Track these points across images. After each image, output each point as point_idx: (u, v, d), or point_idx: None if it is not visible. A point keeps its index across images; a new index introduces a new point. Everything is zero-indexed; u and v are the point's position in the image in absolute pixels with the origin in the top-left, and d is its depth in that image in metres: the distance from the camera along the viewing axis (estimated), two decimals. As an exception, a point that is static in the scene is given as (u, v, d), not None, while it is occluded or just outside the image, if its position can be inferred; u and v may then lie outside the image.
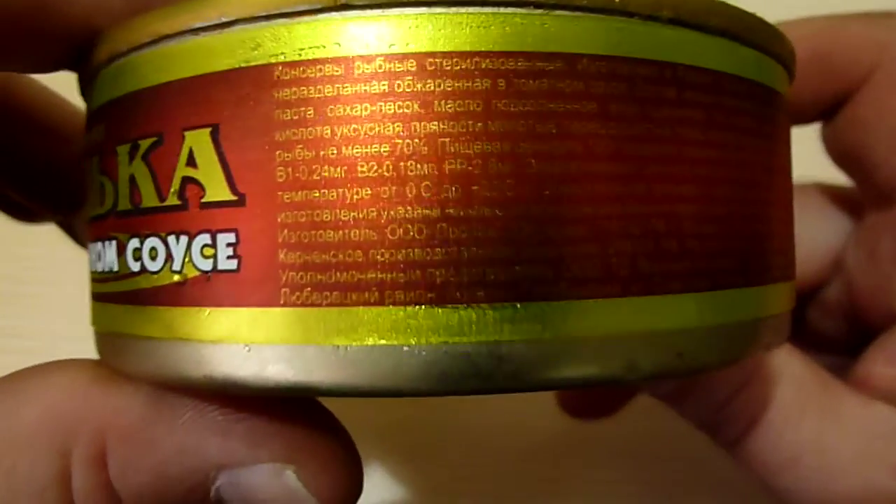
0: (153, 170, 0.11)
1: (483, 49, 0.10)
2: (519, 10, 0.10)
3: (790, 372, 0.18)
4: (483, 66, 0.10)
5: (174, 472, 0.12)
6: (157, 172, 0.11)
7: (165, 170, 0.11)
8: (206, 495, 0.13)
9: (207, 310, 0.11)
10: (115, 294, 0.12)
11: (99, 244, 0.12)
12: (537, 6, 0.10)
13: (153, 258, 0.11)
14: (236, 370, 0.11)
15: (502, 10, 0.10)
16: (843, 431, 0.17)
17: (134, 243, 0.12)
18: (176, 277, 0.11)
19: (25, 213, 0.20)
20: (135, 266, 0.12)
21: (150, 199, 0.11)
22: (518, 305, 0.10)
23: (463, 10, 0.10)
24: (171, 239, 0.11)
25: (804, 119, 0.20)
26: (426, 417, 0.27)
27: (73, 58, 0.13)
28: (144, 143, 0.11)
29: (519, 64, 0.10)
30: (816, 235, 0.22)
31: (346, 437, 0.14)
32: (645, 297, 0.11)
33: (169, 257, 0.11)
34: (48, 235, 0.21)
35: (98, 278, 0.13)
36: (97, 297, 0.13)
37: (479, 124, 0.10)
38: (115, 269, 0.12)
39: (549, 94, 0.10)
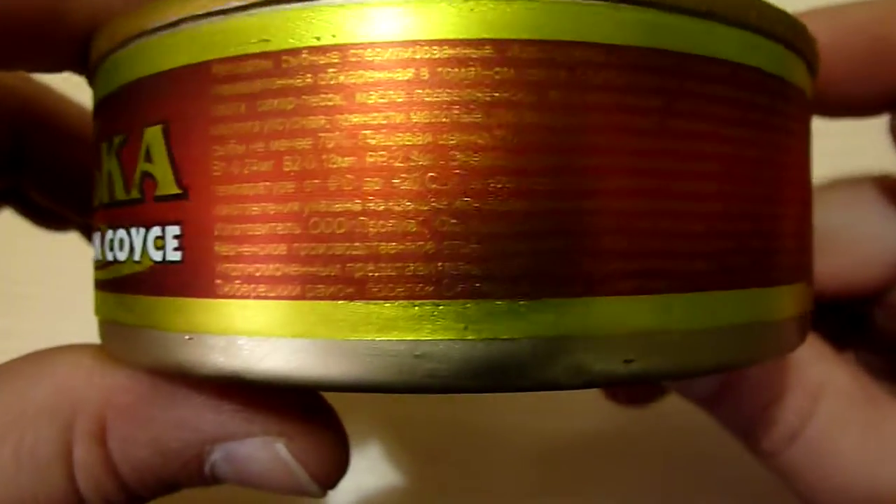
0: (122, 165, 0.12)
1: (407, 38, 0.10)
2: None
3: (834, 384, 0.17)
4: (405, 55, 0.10)
5: (171, 446, 0.13)
6: (125, 167, 0.12)
7: (130, 165, 0.12)
8: (202, 470, 0.13)
9: (161, 299, 0.11)
10: (101, 282, 0.13)
11: (95, 235, 0.13)
12: None
13: (121, 248, 0.12)
14: (184, 357, 0.11)
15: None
16: (887, 449, 0.15)
17: (109, 234, 0.12)
18: (137, 267, 0.12)
19: (55, 220, 0.21)
20: (109, 255, 0.12)
21: (120, 192, 0.12)
22: (439, 304, 0.10)
23: (387, -1, 0.10)
24: (133, 230, 0.12)
25: (869, 111, 0.18)
26: (433, 416, 0.27)
27: (79, 58, 0.14)
28: (117, 140, 0.12)
29: (444, 51, 0.10)
30: (880, 233, 0.19)
31: (333, 416, 0.14)
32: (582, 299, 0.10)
33: (132, 248, 0.12)
34: (47, 236, 0.22)
35: (95, 267, 0.13)
36: (95, 285, 0.14)
37: (402, 115, 0.10)
38: (100, 258, 0.13)
39: (475, 83, 0.10)
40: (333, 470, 0.14)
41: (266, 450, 0.13)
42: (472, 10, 0.10)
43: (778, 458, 0.18)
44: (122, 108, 0.12)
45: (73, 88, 0.18)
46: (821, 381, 0.17)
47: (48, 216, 0.21)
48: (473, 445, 0.27)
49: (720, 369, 0.12)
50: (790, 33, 0.12)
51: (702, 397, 0.18)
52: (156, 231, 0.11)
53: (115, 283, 0.12)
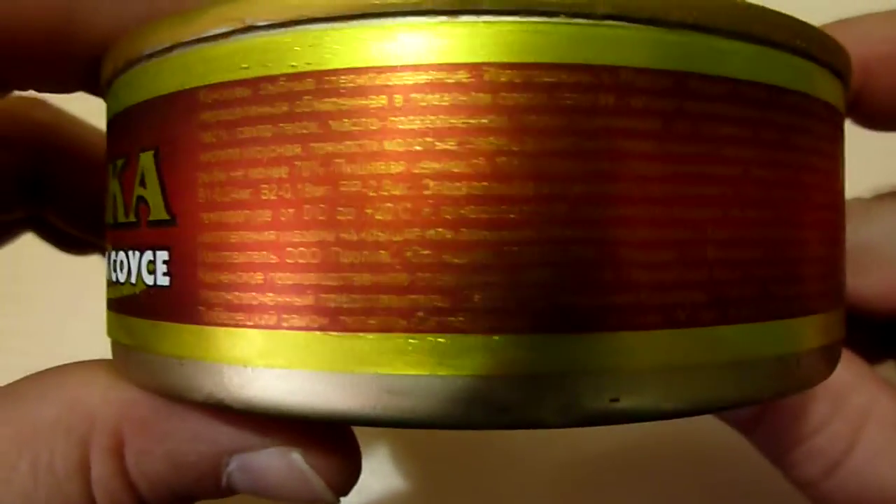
0: (123, 188, 0.12)
1: (380, 64, 0.10)
2: (419, 20, 0.10)
3: (878, 412, 0.16)
4: (378, 82, 0.10)
5: (187, 459, 0.13)
6: (125, 190, 0.12)
7: (129, 188, 0.12)
8: (218, 482, 0.13)
9: (153, 322, 0.11)
10: (109, 301, 0.13)
11: (107, 254, 0.14)
12: (439, 13, 0.09)
13: (122, 270, 0.12)
14: (177, 382, 0.11)
15: (400, 20, 0.10)
16: None
17: (114, 255, 0.13)
18: (133, 290, 0.12)
19: (76, 244, 0.22)
20: (114, 276, 0.13)
21: (121, 215, 0.12)
22: (411, 339, 0.10)
23: (361, 22, 0.10)
24: (130, 253, 0.12)
25: None
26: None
27: (92, 78, 0.14)
28: (119, 163, 0.12)
29: (419, 77, 0.10)
30: None
31: (345, 426, 0.14)
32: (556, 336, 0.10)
33: (129, 270, 0.12)
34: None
35: (107, 285, 0.14)
36: (107, 304, 0.14)
37: (375, 143, 0.10)
38: (108, 277, 0.13)
39: (450, 109, 0.10)
40: (347, 477, 0.14)
41: (282, 459, 0.13)
42: (447, 33, 0.10)
43: (817, 488, 0.17)
44: (123, 131, 0.12)
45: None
46: (864, 409, 0.16)
47: (69, 240, 0.22)
48: (482, 456, 0.27)
49: (718, 408, 0.11)
50: (810, 45, 0.11)
51: (738, 422, 0.17)
52: (148, 255, 0.11)
53: (117, 303, 0.13)
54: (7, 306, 0.23)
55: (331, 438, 0.14)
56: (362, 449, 0.14)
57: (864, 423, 0.16)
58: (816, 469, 0.17)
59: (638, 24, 0.10)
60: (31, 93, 0.16)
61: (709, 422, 0.18)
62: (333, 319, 0.10)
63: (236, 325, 0.10)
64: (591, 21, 0.10)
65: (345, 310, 0.10)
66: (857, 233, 0.21)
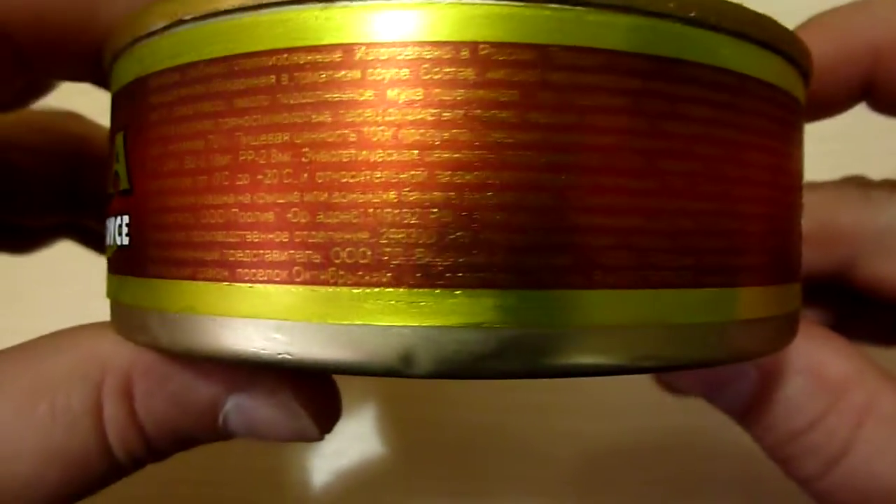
0: (110, 163, 0.14)
1: (273, 47, 0.11)
2: (299, 7, 0.11)
3: (879, 408, 0.16)
4: (270, 63, 0.11)
5: (188, 400, 0.15)
6: (108, 166, 0.14)
7: (110, 164, 0.14)
8: (216, 422, 0.15)
9: (119, 277, 0.13)
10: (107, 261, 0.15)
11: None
12: (315, 0, 0.11)
13: (108, 234, 0.14)
14: (135, 329, 0.13)
15: (286, 8, 0.11)
16: None
17: (106, 222, 0.15)
18: (111, 251, 0.14)
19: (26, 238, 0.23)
20: (106, 240, 0.15)
21: (110, 186, 0.14)
22: (294, 287, 0.11)
23: (263, 11, 0.11)
24: (111, 219, 0.14)
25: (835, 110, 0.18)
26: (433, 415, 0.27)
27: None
28: (114, 139, 0.14)
29: (301, 58, 0.11)
30: None
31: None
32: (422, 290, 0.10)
33: (110, 234, 0.14)
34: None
35: None
36: None
37: (266, 118, 0.11)
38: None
39: (327, 86, 0.11)
40: (330, 415, 0.16)
41: (273, 398, 0.15)
42: (321, 16, 0.11)
43: (816, 484, 0.16)
44: (112, 115, 0.14)
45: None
46: (863, 405, 0.16)
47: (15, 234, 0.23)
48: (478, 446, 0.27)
49: (651, 368, 0.12)
50: (707, 14, 0.11)
51: (734, 411, 0.17)
52: (118, 220, 0.13)
53: (108, 263, 0.15)
54: (10, 306, 0.24)
55: (316, 381, 0.15)
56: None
57: (864, 420, 0.16)
58: (814, 465, 0.16)
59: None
60: (67, 105, 0.18)
61: (721, 418, 0.17)
62: (232, 272, 0.11)
63: (171, 277, 0.12)
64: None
65: (242, 262, 0.11)
66: (877, 218, 0.20)
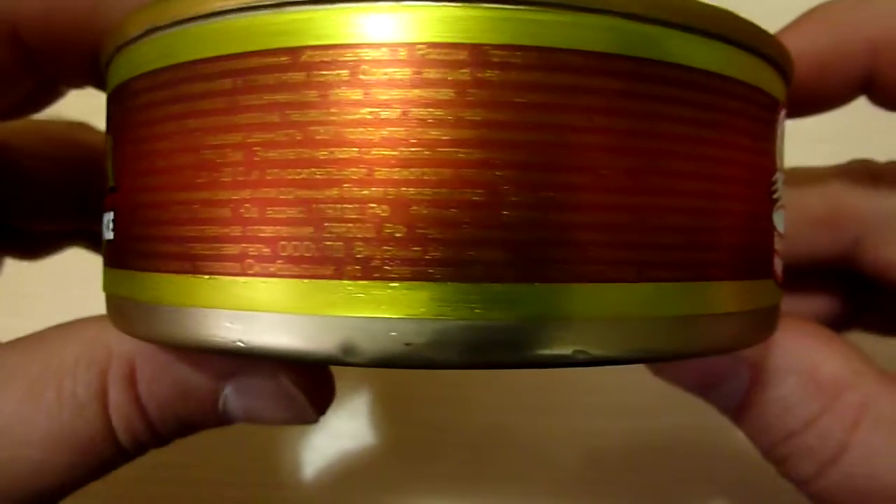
0: (104, 162, 0.15)
1: (230, 52, 0.12)
2: (252, 14, 0.11)
3: (876, 409, 0.16)
4: (228, 67, 0.12)
5: (190, 383, 0.15)
6: (104, 164, 0.15)
7: (104, 164, 0.15)
8: (216, 406, 0.16)
9: (108, 269, 0.14)
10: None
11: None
12: (264, 7, 0.11)
13: (102, 229, 0.15)
14: (127, 318, 0.14)
15: (241, 15, 0.11)
16: None
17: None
18: (104, 245, 0.15)
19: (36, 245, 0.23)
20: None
21: (104, 184, 0.15)
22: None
23: (220, 18, 0.12)
24: (104, 215, 0.15)
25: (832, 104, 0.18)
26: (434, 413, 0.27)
27: None
28: (106, 140, 0.15)
29: (253, 62, 0.11)
30: None
31: None
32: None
33: (103, 228, 0.15)
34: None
35: None
36: None
37: (224, 119, 0.12)
38: (108, 236, 0.16)
39: (276, 88, 0.11)
40: (325, 397, 0.16)
41: (271, 382, 0.15)
42: (273, 20, 0.11)
43: (811, 486, 0.16)
44: (106, 115, 0.15)
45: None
46: (858, 407, 0.16)
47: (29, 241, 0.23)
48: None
49: (631, 359, 0.12)
50: (747, 38, 0.12)
51: (728, 409, 0.17)
52: (107, 216, 0.14)
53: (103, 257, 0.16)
54: (13, 306, 0.24)
55: (310, 368, 0.16)
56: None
57: (859, 422, 0.16)
58: (809, 467, 0.16)
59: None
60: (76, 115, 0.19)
61: (723, 418, 0.17)
62: (194, 265, 0.12)
63: (145, 270, 0.13)
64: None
65: (202, 255, 0.12)
66: (884, 201, 0.19)
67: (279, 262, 0.11)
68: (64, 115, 0.20)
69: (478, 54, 0.11)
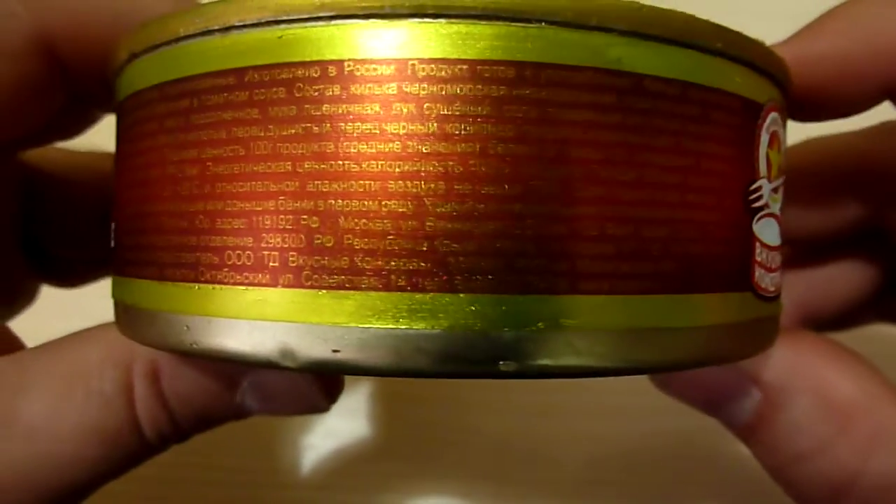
0: (118, 177, 0.16)
1: (187, 74, 0.12)
2: (203, 39, 0.12)
3: (892, 437, 0.15)
4: (186, 88, 0.12)
5: (209, 378, 0.16)
6: (117, 179, 0.16)
7: (115, 177, 0.16)
8: (234, 400, 0.16)
9: (112, 276, 0.16)
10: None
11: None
12: (213, 32, 0.12)
13: None
14: (116, 320, 0.15)
15: (196, 40, 0.12)
16: None
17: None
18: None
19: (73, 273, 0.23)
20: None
21: (118, 197, 0.17)
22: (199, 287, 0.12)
23: (181, 44, 0.13)
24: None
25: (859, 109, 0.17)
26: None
27: None
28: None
29: (205, 83, 0.12)
30: None
31: None
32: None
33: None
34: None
35: None
36: None
37: (183, 136, 0.12)
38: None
39: (223, 106, 0.12)
40: (335, 388, 0.17)
41: (285, 375, 0.16)
42: (221, 43, 0.12)
43: None
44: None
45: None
46: (873, 433, 0.15)
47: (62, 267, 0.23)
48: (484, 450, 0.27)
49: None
50: (706, 40, 0.12)
51: (736, 428, 0.16)
52: (112, 226, 0.16)
53: None
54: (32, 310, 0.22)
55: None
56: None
57: (873, 450, 0.15)
58: (820, 493, 0.15)
59: (358, 19, 0.11)
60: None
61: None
62: (161, 273, 0.13)
63: (133, 276, 0.14)
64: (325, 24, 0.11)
65: (166, 263, 0.13)
66: None
67: (225, 270, 0.12)
68: (99, 147, 0.22)
69: (403, 69, 0.11)
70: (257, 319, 0.12)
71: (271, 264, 0.12)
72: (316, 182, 0.11)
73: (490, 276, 0.11)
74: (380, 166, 0.11)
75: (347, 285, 0.11)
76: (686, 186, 0.12)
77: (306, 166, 0.11)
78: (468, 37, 0.11)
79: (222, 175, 0.12)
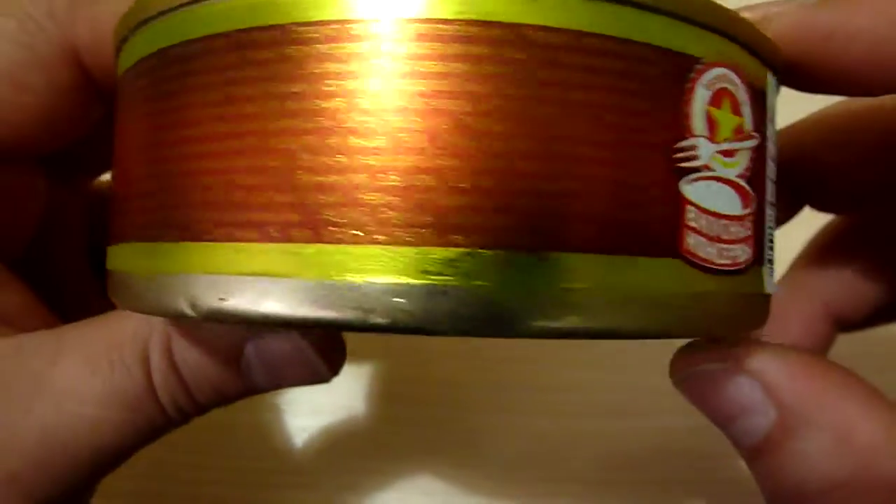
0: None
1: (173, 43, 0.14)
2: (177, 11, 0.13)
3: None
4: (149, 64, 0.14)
5: (216, 346, 0.17)
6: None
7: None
8: (239, 367, 0.17)
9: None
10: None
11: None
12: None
13: None
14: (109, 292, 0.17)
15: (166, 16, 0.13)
16: None
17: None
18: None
19: None
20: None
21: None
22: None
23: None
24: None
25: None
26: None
27: None
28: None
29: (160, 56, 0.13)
30: None
31: None
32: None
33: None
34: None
35: None
36: None
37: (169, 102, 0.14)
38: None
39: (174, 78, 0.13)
40: (338, 358, 0.18)
41: (289, 341, 0.17)
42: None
43: None
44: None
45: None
46: (893, 483, 0.14)
47: None
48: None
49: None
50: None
51: (744, 445, 0.15)
52: None
53: None
54: None
55: (323, 331, 0.17)
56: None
57: (893, 499, 0.14)
58: None
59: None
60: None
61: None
62: (122, 234, 0.14)
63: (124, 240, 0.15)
64: None
65: (121, 226, 0.14)
66: None
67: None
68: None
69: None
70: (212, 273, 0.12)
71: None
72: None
73: (354, 231, 0.11)
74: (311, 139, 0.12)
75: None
76: (581, 140, 0.12)
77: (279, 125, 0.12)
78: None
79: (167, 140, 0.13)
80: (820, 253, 0.21)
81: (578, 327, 0.12)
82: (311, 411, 0.28)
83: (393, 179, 0.11)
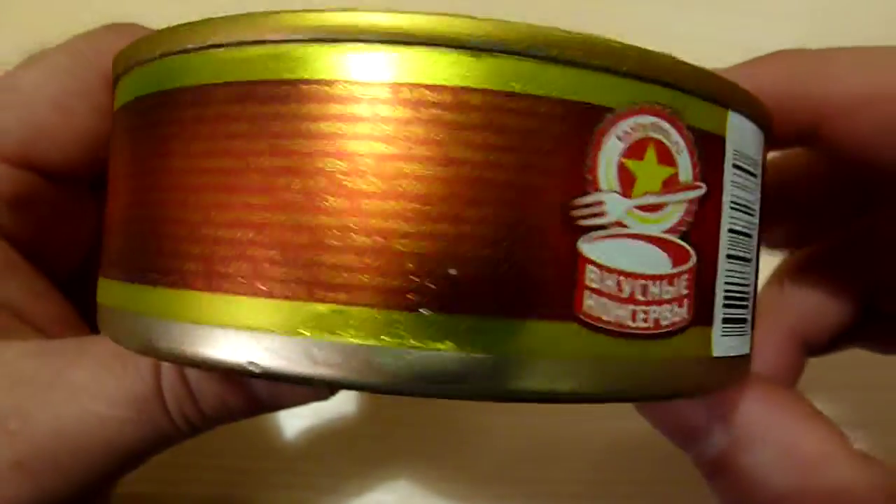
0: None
1: (141, 94, 0.15)
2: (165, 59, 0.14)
3: (850, 495, 0.15)
4: (145, 105, 0.15)
5: None
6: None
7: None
8: (243, 381, 0.18)
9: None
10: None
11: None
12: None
13: None
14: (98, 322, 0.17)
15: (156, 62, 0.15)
16: None
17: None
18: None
19: None
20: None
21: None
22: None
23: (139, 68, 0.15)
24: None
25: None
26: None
27: None
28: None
29: (151, 100, 0.15)
30: None
31: None
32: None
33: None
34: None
35: None
36: None
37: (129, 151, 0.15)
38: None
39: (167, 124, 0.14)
40: None
41: None
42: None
43: None
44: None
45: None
46: (833, 489, 0.15)
47: None
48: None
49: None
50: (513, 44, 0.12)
51: (702, 464, 0.17)
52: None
53: None
54: None
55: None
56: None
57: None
58: None
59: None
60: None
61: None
62: (117, 273, 0.16)
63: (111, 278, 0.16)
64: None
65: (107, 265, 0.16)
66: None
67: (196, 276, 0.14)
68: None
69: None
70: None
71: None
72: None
73: (241, 279, 0.12)
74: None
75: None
76: (466, 200, 0.11)
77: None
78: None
79: (152, 186, 0.14)
80: (788, 276, 0.23)
81: (464, 389, 0.12)
82: (310, 411, 0.29)
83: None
